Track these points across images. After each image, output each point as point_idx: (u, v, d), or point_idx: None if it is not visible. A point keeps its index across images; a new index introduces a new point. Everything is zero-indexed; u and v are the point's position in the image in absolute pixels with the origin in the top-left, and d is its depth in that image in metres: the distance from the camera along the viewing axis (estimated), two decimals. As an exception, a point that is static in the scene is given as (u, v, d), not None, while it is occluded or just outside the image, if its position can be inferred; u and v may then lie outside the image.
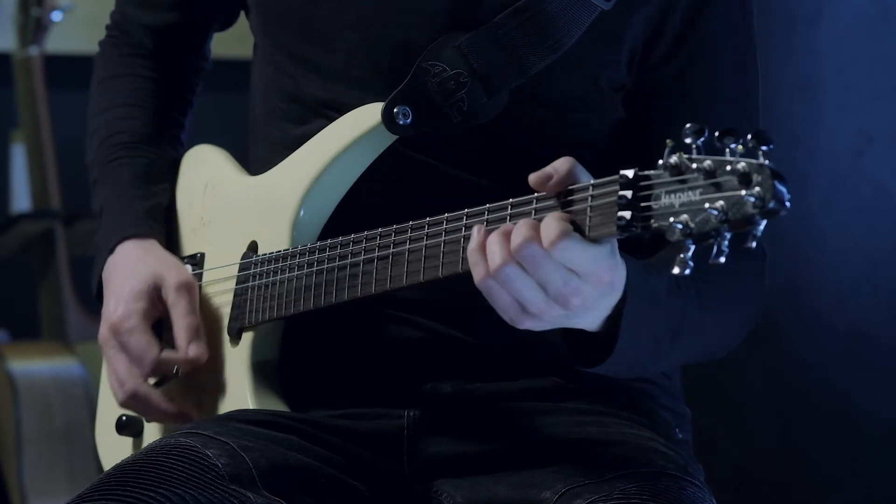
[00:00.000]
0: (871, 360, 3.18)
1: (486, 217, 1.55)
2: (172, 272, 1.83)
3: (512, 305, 1.50)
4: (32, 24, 3.87)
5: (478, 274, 1.50)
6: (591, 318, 1.54)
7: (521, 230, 1.47)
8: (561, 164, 1.50)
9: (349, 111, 1.77)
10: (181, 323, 1.81)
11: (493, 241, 1.49)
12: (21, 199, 4.12)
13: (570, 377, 1.78)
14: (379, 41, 1.76)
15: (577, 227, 1.46)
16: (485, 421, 1.76)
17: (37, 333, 3.93)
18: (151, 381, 1.84)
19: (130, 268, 1.85)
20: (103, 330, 1.83)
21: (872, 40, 3.18)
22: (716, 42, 1.75)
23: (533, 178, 1.50)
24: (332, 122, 1.79)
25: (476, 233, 1.51)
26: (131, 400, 1.82)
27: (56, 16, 3.88)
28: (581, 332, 1.57)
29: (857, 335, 3.19)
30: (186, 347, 1.80)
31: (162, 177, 1.96)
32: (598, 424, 1.74)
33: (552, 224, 1.46)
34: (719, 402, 3.26)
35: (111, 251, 1.87)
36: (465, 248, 1.55)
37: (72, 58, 4.25)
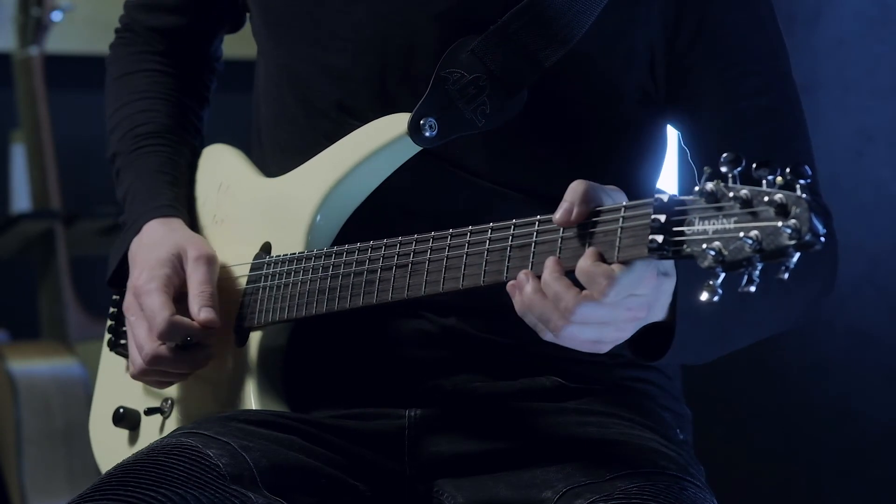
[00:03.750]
0: (871, 360, 3.18)
1: (511, 231, 1.55)
2: (194, 245, 1.84)
3: (586, 346, 1.52)
4: (32, 24, 3.87)
5: (540, 333, 1.52)
6: (658, 309, 1.54)
7: (565, 297, 1.47)
8: (575, 191, 1.50)
9: (359, 113, 1.77)
10: (195, 290, 1.80)
11: (545, 308, 1.49)
12: (21, 199, 4.12)
13: (570, 377, 1.79)
14: (385, 41, 1.76)
15: (605, 251, 1.47)
16: (486, 421, 1.76)
17: (37, 333, 3.94)
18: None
19: (156, 241, 1.86)
20: (128, 297, 1.84)
21: (872, 40, 3.18)
22: (734, 21, 1.74)
23: (559, 218, 1.50)
24: (340, 123, 1.79)
25: (516, 294, 1.52)
26: (150, 364, 1.80)
27: (56, 16, 3.88)
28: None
29: (857, 335, 3.18)
30: (198, 312, 1.79)
31: (185, 163, 1.97)
32: (599, 425, 1.74)
33: (596, 273, 1.45)
34: (719, 403, 3.26)
35: (138, 231, 1.88)
36: (488, 261, 1.56)
37: (72, 58, 4.26)
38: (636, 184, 1.79)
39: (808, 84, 3.20)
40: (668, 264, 1.51)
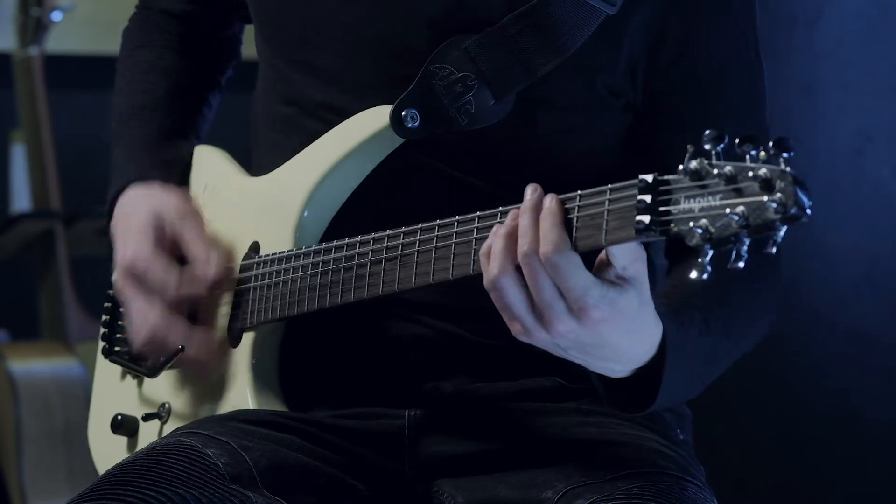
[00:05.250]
0: (871, 360, 3.18)
1: (498, 220, 1.54)
2: (171, 201, 1.83)
3: (505, 312, 1.49)
4: (32, 24, 3.87)
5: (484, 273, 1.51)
6: (622, 357, 1.52)
7: (526, 235, 1.46)
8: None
9: (349, 114, 1.77)
10: (193, 237, 1.80)
11: (497, 244, 1.47)
12: (21, 199, 4.12)
13: (570, 377, 1.79)
14: (378, 43, 1.76)
15: (592, 234, 1.45)
16: (486, 421, 1.76)
17: (37, 333, 3.93)
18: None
19: (132, 210, 1.85)
20: (119, 275, 1.82)
21: (872, 40, 3.18)
22: (718, 44, 1.75)
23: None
24: (331, 124, 1.79)
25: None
26: (160, 330, 1.78)
27: (56, 16, 3.88)
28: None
29: (857, 335, 3.19)
30: (207, 257, 1.78)
31: (175, 137, 1.96)
32: (599, 425, 1.74)
33: (550, 236, 1.45)
34: (719, 403, 3.26)
35: (116, 200, 1.88)
36: (476, 251, 1.55)
37: (72, 58, 4.26)
38: None
39: (808, 84, 3.21)
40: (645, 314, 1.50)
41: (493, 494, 1.70)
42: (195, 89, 2.04)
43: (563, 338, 1.48)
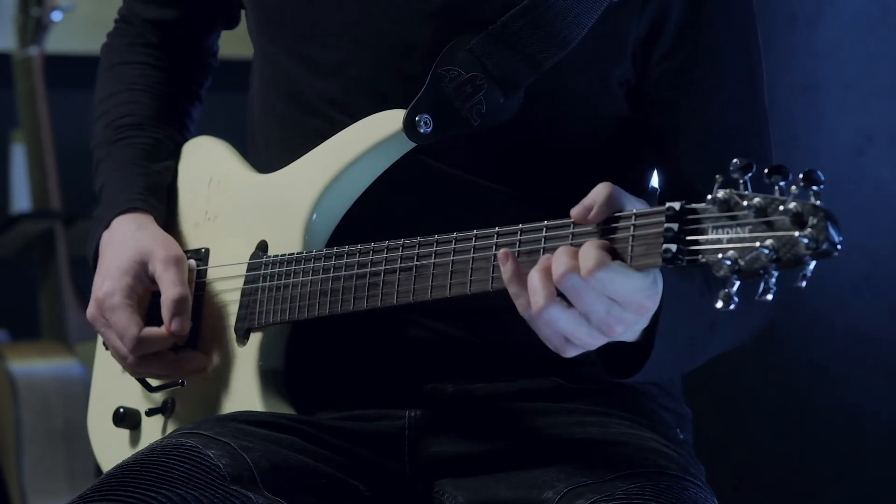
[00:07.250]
0: (871, 360, 3.18)
1: (518, 237, 1.54)
2: (160, 247, 1.83)
3: (556, 337, 1.49)
4: (32, 24, 3.87)
5: (520, 306, 1.49)
6: (629, 335, 1.53)
7: (561, 259, 1.45)
8: (599, 193, 1.48)
9: (350, 110, 1.77)
10: (167, 294, 1.81)
11: (535, 277, 1.47)
12: (21, 199, 4.13)
13: (570, 377, 1.79)
14: (379, 39, 1.76)
15: (618, 255, 1.45)
16: (486, 421, 1.76)
17: (37, 333, 3.94)
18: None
19: (120, 244, 1.85)
20: (91, 307, 1.84)
21: (872, 40, 3.18)
22: (718, 31, 1.74)
23: (575, 213, 1.48)
24: (332, 121, 1.78)
25: (507, 262, 1.49)
26: (138, 369, 1.82)
27: (56, 16, 3.88)
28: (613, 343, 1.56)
29: (857, 335, 3.18)
30: (169, 322, 1.79)
31: (165, 157, 1.96)
32: (599, 425, 1.74)
33: (590, 253, 1.44)
34: (719, 402, 3.26)
35: (107, 226, 1.88)
36: (496, 267, 1.55)
37: (72, 58, 4.26)
38: (629, 182, 1.79)
39: (808, 84, 3.20)
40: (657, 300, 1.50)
41: (494, 494, 1.70)
42: (178, 105, 2.04)
43: (621, 334, 1.49)
